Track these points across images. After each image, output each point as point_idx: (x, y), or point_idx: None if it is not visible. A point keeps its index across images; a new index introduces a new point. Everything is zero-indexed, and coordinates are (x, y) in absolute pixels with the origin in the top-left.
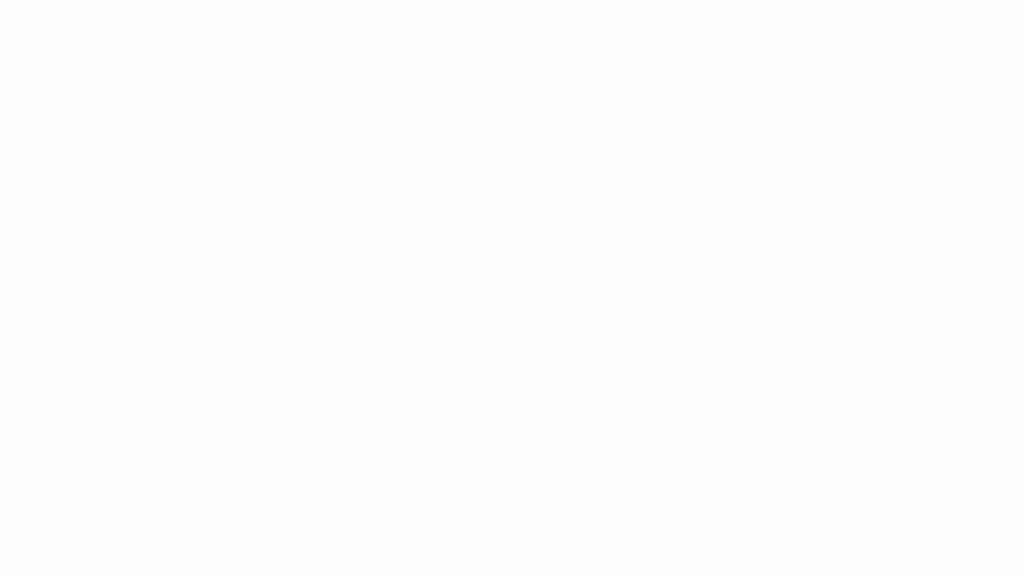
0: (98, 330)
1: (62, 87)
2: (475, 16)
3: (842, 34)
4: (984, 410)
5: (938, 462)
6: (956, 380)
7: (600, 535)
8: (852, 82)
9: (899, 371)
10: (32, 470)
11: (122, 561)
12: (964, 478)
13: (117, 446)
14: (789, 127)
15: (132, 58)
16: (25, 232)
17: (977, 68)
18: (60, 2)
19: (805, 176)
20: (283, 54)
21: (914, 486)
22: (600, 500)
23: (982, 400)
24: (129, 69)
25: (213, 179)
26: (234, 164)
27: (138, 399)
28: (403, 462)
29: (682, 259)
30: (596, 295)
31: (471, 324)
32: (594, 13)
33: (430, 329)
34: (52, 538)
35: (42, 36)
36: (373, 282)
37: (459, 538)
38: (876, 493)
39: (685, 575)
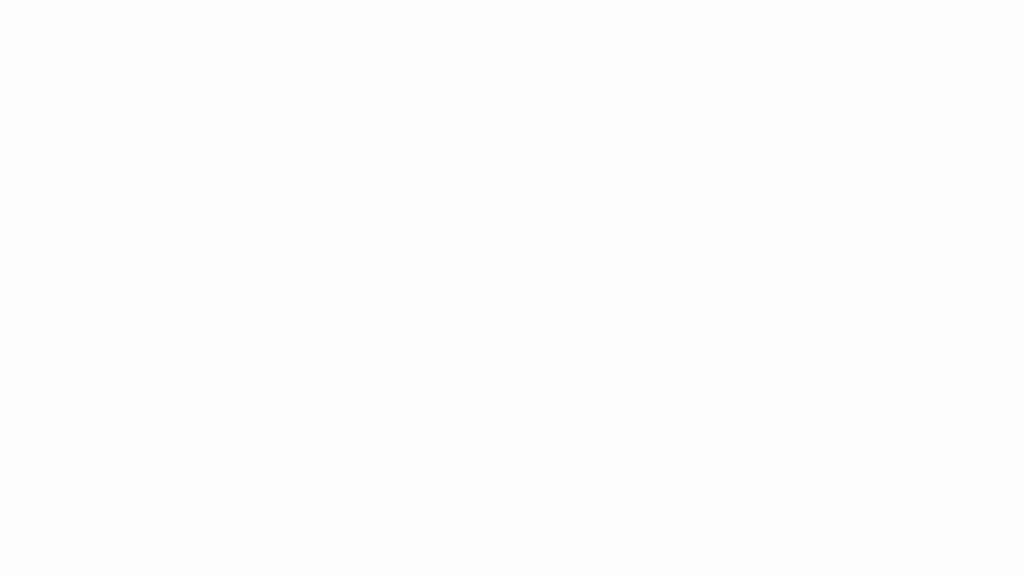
0: (98, 330)
1: (62, 87)
2: (475, 16)
3: (842, 34)
4: (984, 410)
5: (938, 462)
6: (956, 380)
7: (599, 535)
8: (852, 82)
9: (899, 371)
10: (32, 470)
11: (122, 561)
12: (964, 478)
13: (117, 446)
14: (789, 127)
15: (132, 58)
16: (25, 232)
17: (977, 68)
18: (60, 2)
19: (805, 176)
20: (283, 54)
21: (914, 486)
22: (600, 500)
23: (982, 400)
24: (129, 69)
25: (213, 179)
26: (234, 164)
27: (138, 399)
28: (403, 462)
29: (682, 259)
30: (596, 295)
31: (471, 324)
32: (594, 13)
33: (430, 329)
34: (52, 538)
35: (42, 36)
36: (373, 282)
37: (459, 538)
38: (876, 493)
39: (684, 574)
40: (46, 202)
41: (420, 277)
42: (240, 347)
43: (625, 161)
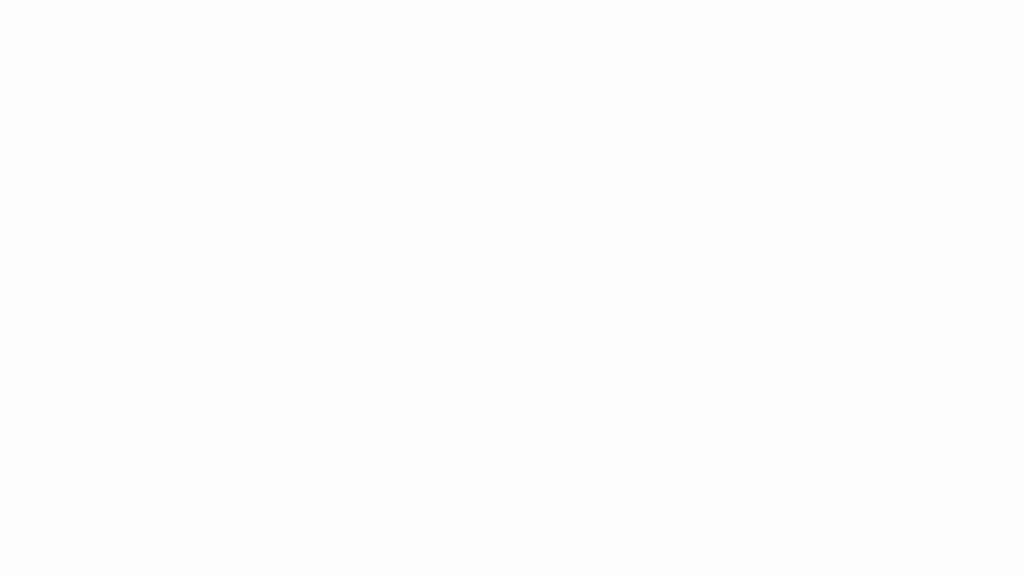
0: (98, 330)
1: (62, 87)
2: (475, 16)
3: (842, 34)
4: (984, 410)
5: (938, 462)
6: (956, 380)
7: (599, 535)
8: (852, 82)
9: (899, 371)
10: (32, 470)
11: (122, 561)
12: (964, 478)
13: (117, 446)
14: (789, 127)
15: (132, 58)
16: (25, 232)
17: (977, 68)
18: (60, 2)
19: (805, 176)
20: (283, 54)
21: (914, 486)
22: (600, 500)
23: (982, 400)
24: (129, 69)
25: (213, 179)
26: (234, 164)
27: (138, 399)
28: (403, 462)
29: (682, 259)
30: (596, 295)
31: (471, 324)
32: (594, 13)
33: (430, 329)
34: (52, 538)
35: (42, 36)
36: (373, 282)
37: (459, 538)
38: (876, 493)
39: (684, 574)
40: (46, 202)
41: (420, 277)
42: (240, 347)
43: (625, 161)
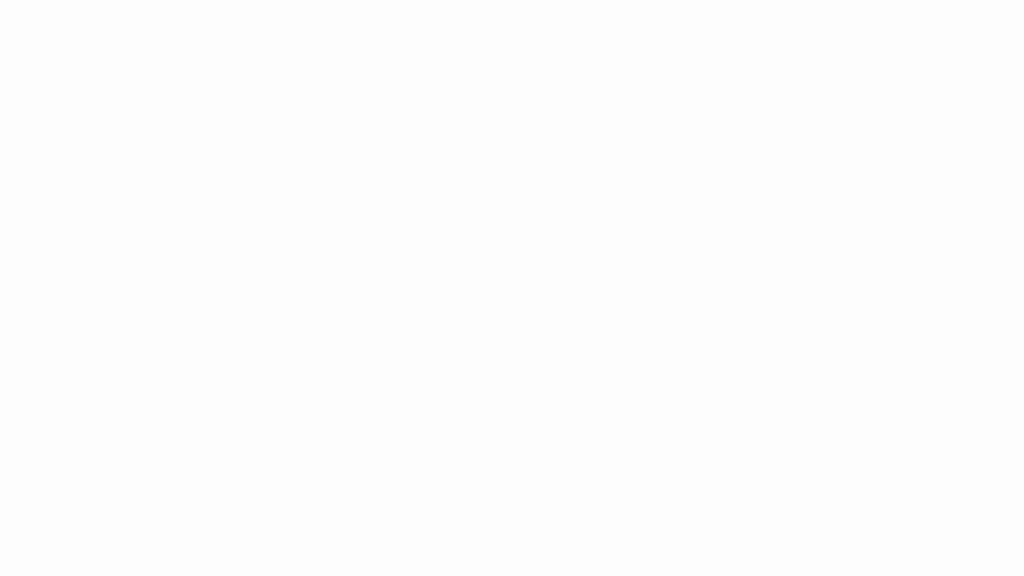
0: (98, 330)
1: (62, 87)
2: (475, 16)
3: (842, 34)
4: (984, 410)
5: (938, 462)
6: (956, 380)
7: (599, 535)
8: (852, 82)
9: (899, 371)
10: (32, 470)
11: (122, 561)
12: (964, 478)
13: (117, 446)
14: (789, 127)
15: (132, 58)
16: (25, 232)
17: (977, 68)
18: (60, 2)
19: (805, 176)
20: (283, 54)
21: (914, 486)
22: (600, 500)
23: (982, 400)
24: (129, 69)
25: (213, 179)
26: (234, 164)
27: (138, 399)
28: (403, 462)
29: (682, 259)
30: (596, 295)
31: (471, 324)
32: (594, 13)
33: (430, 329)
34: (52, 538)
35: (42, 36)
36: (373, 282)
37: (459, 538)
38: (876, 493)
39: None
40: (46, 202)
41: (420, 277)
42: (240, 347)
43: (625, 161)
